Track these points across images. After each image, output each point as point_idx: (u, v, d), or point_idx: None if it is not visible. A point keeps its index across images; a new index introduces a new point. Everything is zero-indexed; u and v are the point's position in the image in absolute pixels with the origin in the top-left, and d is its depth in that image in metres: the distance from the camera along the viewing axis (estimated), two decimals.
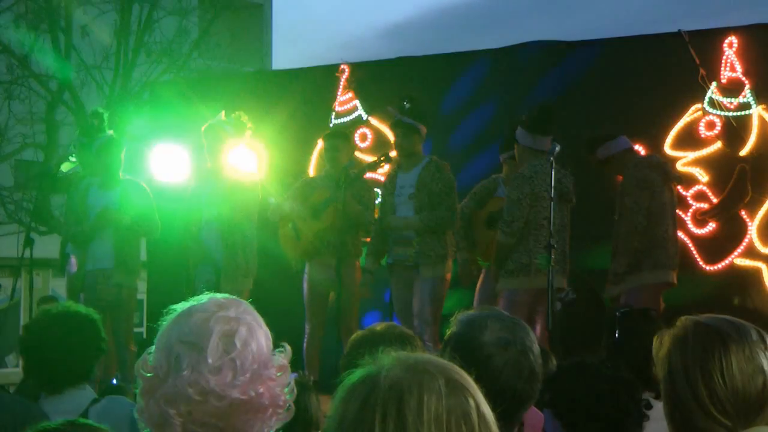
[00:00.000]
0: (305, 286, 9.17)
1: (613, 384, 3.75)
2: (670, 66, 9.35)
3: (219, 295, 2.69)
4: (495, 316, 3.27)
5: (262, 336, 2.65)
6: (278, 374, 2.65)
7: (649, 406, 3.77)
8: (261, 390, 2.60)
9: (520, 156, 8.32)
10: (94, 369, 4.58)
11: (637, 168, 8.22)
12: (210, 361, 2.56)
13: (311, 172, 10.49)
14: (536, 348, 3.22)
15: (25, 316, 15.77)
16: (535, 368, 3.18)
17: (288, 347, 2.72)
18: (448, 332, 3.26)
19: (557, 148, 7.65)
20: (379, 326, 4.15)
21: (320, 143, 9.89)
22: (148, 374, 2.60)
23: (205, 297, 2.68)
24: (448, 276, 8.62)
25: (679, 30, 9.11)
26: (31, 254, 9.50)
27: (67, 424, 2.71)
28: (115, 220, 9.14)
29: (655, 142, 9.01)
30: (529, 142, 8.22)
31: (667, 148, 9.16)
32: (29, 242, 9.41)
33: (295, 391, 2.70)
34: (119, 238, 9.19)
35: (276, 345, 2.68)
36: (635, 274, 8.11)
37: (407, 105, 8.70)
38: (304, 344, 9.00)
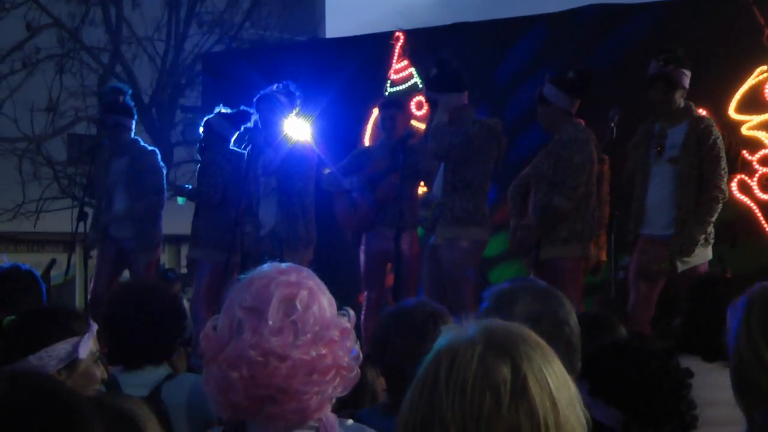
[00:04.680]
0: (363, 257, 9.20)
1: (658, 360, 3.62)
2: (733, 27, 9.25)
3: (280, 263, 2.74)
4: (526, 288, 3.22)
5: (324, 300, 2.70)
6: (341, 337, 2.69)
7: (690, 374, 3.65)
8: (323, 351, 2.64)
9: (552, 116, 8.13)
10: (175, 346, 4.60)
11: None
12: (270, 322, 2.61)
13: (367, 141, 10.52)
14: (573, 319, 3.17)
15: (80, 292, 15.95)
16: (573, 341, 3.14)
17: (352, 312, 2.75)
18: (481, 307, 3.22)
19: (617, 115, 7.64)
20: (412, 302, 4.17)
21: (375, 112, 9.92)
22: (212, 342, 2.66)
23: (267, 264, 2.73)
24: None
25: None
26: (85, 228, 9.64)
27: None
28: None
29: (718, 106, 8.93)
30: (565, 104, 8.14)
31: (732, 112, 9.08)
32: (83, 216, 9.54)
33: (361, 356, 2.74)
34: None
35: (339, 310, 2.72)
36: None
37: (433, 72, 8.57)
38: (362, 317, 9.00)
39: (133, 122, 9.99)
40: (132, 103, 10.00)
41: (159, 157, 10.00)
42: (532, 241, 8.06)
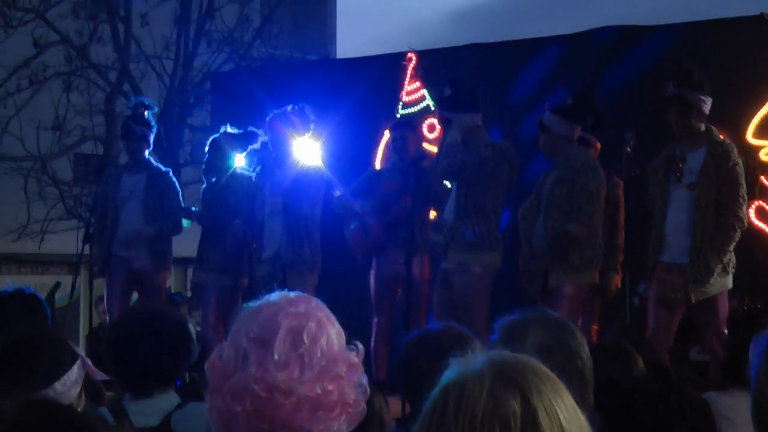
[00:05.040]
0: (373, 281, 9.19)
1: (674, 399, 3.56)
2: (751, 50, 9.26)
3: (289, 292, 2.72)
4: (537, 320, 3.19)
5: (333, 333, 2.66)
6: (348, 372, 2.67)
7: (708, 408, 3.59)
8: (330, 387, 2.60)
9: (552, 143, 8.14)
10: (182, 372, 4.58)
11: None
12: (276, 356, 2.58)
13: (378, 163, 10.52)
14: (585, 351, 3.14)
15: (84, 315, 15.97)
16: (585, 373, 3.11)
17: (360, 346, 2.72)
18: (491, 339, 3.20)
19: (632, 138, 7.63)
20: (438, 326, 4.16)
21: (387, 134, 9.92)
22: (217, 371, 2.64)
23: (275, 293, 2.71)
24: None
25: (762, 12, 9.03)
26: (90, 251, 9.62)
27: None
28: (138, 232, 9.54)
29: (736, 130, 8.91)
30: (566, 131, 8.15)
31: (750, 137, 9.07)
32: (89, 238, 9.53)
33: (369, 391, 2.71)
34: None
35: (348, 343, 2.70)
36: None
37: (447, 92, 8.56)
38: (372, 342, 8.99)
39: (152, 138, 9.97)
40: (153, 121, 9.97)
41: (172, 176, 9.96)
42: (542, 268, 8.03)
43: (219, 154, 9.51)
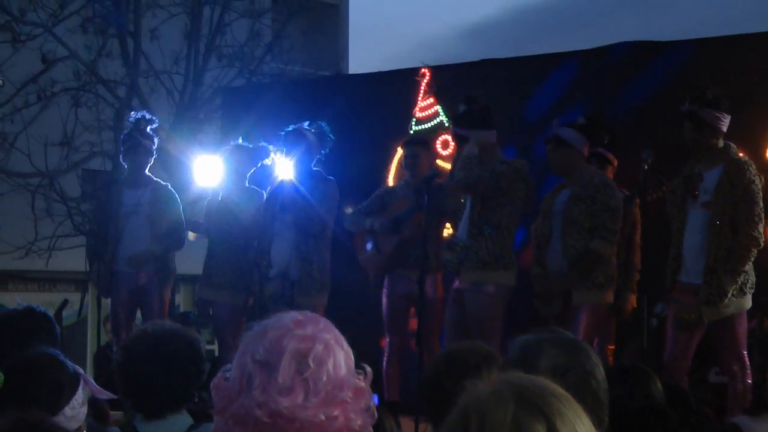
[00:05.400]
0: (385, 300, 9.17)
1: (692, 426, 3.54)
2: None
3: (298, 312, 2.70)
4: (551, 340, 3.19)
5: (341, 356, 2.64)
6: (355, 397, 2.65)
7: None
8: (335, 413, 2.58)
9: (570, 159, 8.14)
10: (194, 392, 4.57)
11: None
12: (280, 380, 2.56)
13: (390, 181, 10.52)
14: (600, 372, 3.14)
15: (92, 333, 15.97)
16: (599, 395, 3.10)
17: (369, 369, 2.69)
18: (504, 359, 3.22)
19: (650, 156, 7.63)
20: (464, 345, 4.15)
21: (400, 151, 9.92)
22: (222, 393, 2.63)
23: (283, 314, 2.69)
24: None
25: None
26: (90, 268, 9.60)
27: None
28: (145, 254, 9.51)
29: (754, 148, 8.89)
30: (582, 147, 8.18)
31: None
32: (97, 255, 9.52)
33: (376, 414, 2.69)
34: None
35: (357, 366, 2.68)
36: None
37: (462, 108, 8.55)
38: (384, 362, 8.98)
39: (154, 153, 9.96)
40: (156, 136, 9.96)
41: (174, 193, 9.90)
42: (564, 287, 8.00)
43: (228, 167, 9.50)
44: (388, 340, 9.14)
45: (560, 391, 2.02)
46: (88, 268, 9.51)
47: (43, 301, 17.90)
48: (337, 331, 2.68)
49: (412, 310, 9.02)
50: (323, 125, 9.04)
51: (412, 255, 8.83)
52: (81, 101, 21.55)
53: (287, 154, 9.00)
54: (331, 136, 9.02)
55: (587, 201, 7.98)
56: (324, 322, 2.68)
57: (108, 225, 9.69)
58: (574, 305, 7.93)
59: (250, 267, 8.95)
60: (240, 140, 9.61)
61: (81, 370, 3.80)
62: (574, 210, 8.02)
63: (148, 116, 9.89)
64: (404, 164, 9.45)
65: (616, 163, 8.87)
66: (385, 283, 9.20)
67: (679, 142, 7.85)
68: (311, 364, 2.59)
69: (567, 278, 7.98)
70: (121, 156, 9.93)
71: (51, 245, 20.97)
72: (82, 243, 18.43)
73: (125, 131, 10.12)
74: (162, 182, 9.86)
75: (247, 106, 12.07)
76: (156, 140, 9.80)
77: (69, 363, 3.79)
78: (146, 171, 9.72)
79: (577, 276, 7.95)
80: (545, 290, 8.11)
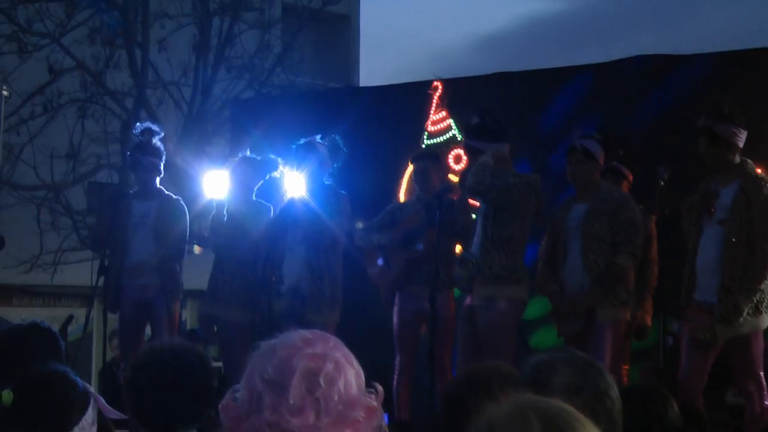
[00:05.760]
0: (395, 318, 9.15)
1: None
2: None
3: (307, 331, 2.69)
4: (565, 359, 3.20)
5: (351, 375, 2.64)
6: (367, 416, 2.64)
7: None
8: None
9: (593, 173, 8.13)
10: (204, 410, 4.56)
11: None
12: (291, 400, 2.56)
13: (401, 196, 10.51)
14: (614, 392, 3.14)
15: (97, 349, 15.95)
16: (614, 415, 3.10)
17: (380, 388, 2.69)
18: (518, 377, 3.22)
19: (666, 172, 7.63)
20: (487, 364, 4.12)
21: (411, 166, 9.91)
22: (231, 414, 2.63)
23: (292, 332, 2.69)
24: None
25: None
26: (97, 282, 9.60)
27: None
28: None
29: None
30: (601, 160, 8.20)
31: None
32: (104, 270, 9.52)
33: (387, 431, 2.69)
34: None
35: (367, 385, 2.67)
36: None
37: (475, 120, 8.54)
38: (394, 381, 8.94)
39: (162, 165, 9.94)
40: (162, 147, 9.94)
41: (183, 204, 9.86)
42: (589, 305, 7.96)
43: (234, 179, 9.47)
44: (398, 359, 9.10)
45: (580, 414, 2.03)
46: (94, 283, 9.49)
47: (48, 316, 17.88)
48: (347, 350, 2.68)
49: (424, 327, 8.99)
50: (336, 138, 9.03)
51: (423, 271, 8.81)
52: (88, 113, 21.64)
53: (298, 167, 9.00)
54: (344, 149, 9.01)
55: (608, 216, 7.96)
56: (334, 340, 2.68)
57: (115, 238, 9.69)
58: (599, 323, 7.89)
59: (258, 282, 8.92)
60: (248, 152, 9.58)
61: (91, 388, 3.80)
62: (595, 225, 8.00)
63: (153, 128, 9.88)
64: (414, 179, 9.43)
65: (631, 177, 8.86)
66: (396, 300, 9.18)
67: (696, 158, 7.84)
68: (322, 383, 2.59)
69: (592, 295, 7.92)
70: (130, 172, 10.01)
71: (56, 259, 21.02)
72: (87, 257, 18.42)
73: (130, 147, 10.16)
74: (173, 196, 9.84)
75: (256, 118, 12.07)
76: (163, 152, 9.79)
77: (79, 381, 3.79)
78: (155, 184, 9.72)
79: (602, 293, 7.92)
80: (567, 308, 8.05)
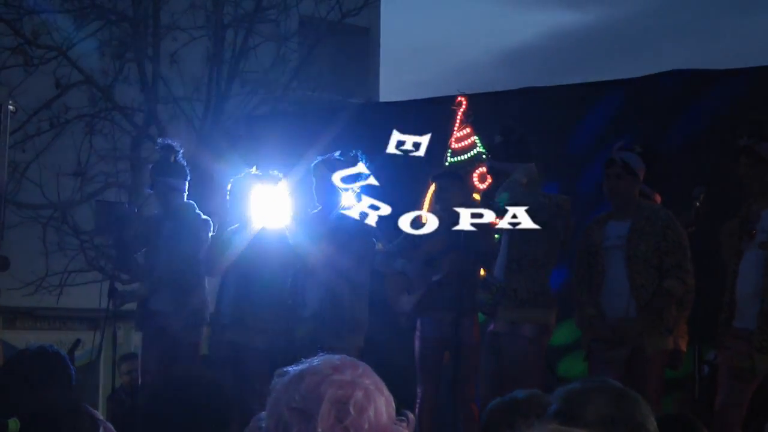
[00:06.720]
0: (417, 344, 9.11)
1: None
2: None
3: (335, 357, 2.69)
4: (599, 389, 3.19)
5: (381, 402, 2.63)
6: None
7: None
8: None
9: (634, 190, 8.14)
10: None
11: None
12: (320, 429, 2.55)
13: (423, 216, 10.47)
14: (651, 423, 3.12)
15: (105, 374, 15.96)
16: None
17: (411, 416, 2.69)
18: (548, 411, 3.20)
19: (702, 193, 7.61)
20: (523, 393, 4.11)
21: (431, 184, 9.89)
22: None
23: (319, 358, 2.68)
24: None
25: None
26: (114, 306, 9.62)
27: None
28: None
29: None
30: (642, 175, 8.18)
31: None
32: (113, 293, 9.53)
33: None
34: None
35: (397, 413, 2.66)
36: None
37: (498, 139, 8.51)
38: (416, 410, 8.87)
39: (186, 183, 9.90)
40: (185, 162, 9.92)
41: (209, 226, 9.82)
42: (639, 331, 7.89)
43: (239, 195, 9.37)
44: (420, 389, 9.03)
45: None
46: (105, 306, 9.52)
47: (54, 340, 17.87)
48: (376, 377, 2.67)
49: (447, 355, 8.95)
50: (361, 157, 8.95)
51: (447, 296, 8.77)
52: (96, 128, 21.62)
53: (316, 186, 8.96)
54: (368, 172, 8.92)
55: (654, 236, 7.90)
56: (363, 367, 2.67)
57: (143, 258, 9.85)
58: (646, 352, 7.83)
59: (284, 308, 8.89)
60: (254, 168, 9.54)
61: (100, 416, 3.81)
62: (641, 245, 7.92)
63: (172, 144, 9.90)
64: (435, 199, 9.41)
65: (659, 200, 8.78)
66: (418, 326, 9.14)
67: (734, 178, 7.82)
68: (351, 411, 2.59)
69: (641, 322, 7.87)
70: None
71: (62, 281, 21.01)
72: (95, 279, 18.49)
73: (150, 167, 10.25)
74: (201, 216, 9.77)
75: (271, 134, 12.08)
76: (185, 170, 9.82)
77: (89, 409, 3.80)
78: (182, 200, 9.75)
79: (651, 320, 7.86)
80: (614, 334, 7.96)
